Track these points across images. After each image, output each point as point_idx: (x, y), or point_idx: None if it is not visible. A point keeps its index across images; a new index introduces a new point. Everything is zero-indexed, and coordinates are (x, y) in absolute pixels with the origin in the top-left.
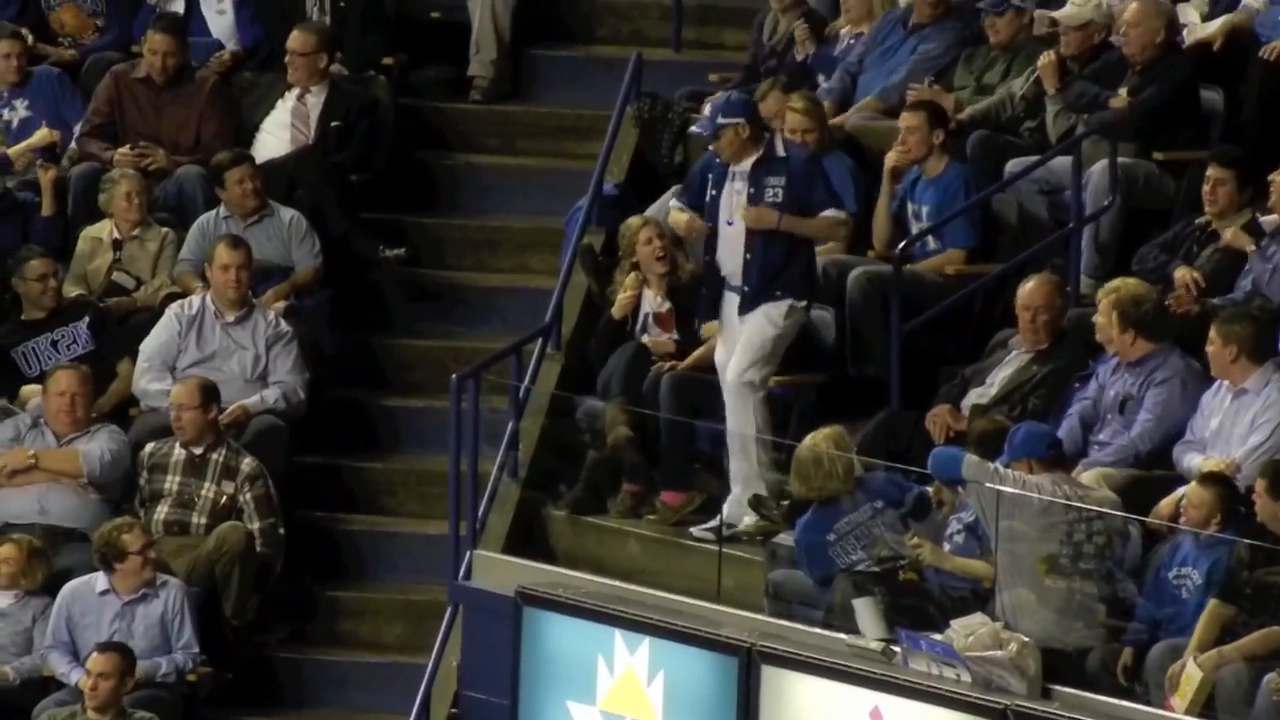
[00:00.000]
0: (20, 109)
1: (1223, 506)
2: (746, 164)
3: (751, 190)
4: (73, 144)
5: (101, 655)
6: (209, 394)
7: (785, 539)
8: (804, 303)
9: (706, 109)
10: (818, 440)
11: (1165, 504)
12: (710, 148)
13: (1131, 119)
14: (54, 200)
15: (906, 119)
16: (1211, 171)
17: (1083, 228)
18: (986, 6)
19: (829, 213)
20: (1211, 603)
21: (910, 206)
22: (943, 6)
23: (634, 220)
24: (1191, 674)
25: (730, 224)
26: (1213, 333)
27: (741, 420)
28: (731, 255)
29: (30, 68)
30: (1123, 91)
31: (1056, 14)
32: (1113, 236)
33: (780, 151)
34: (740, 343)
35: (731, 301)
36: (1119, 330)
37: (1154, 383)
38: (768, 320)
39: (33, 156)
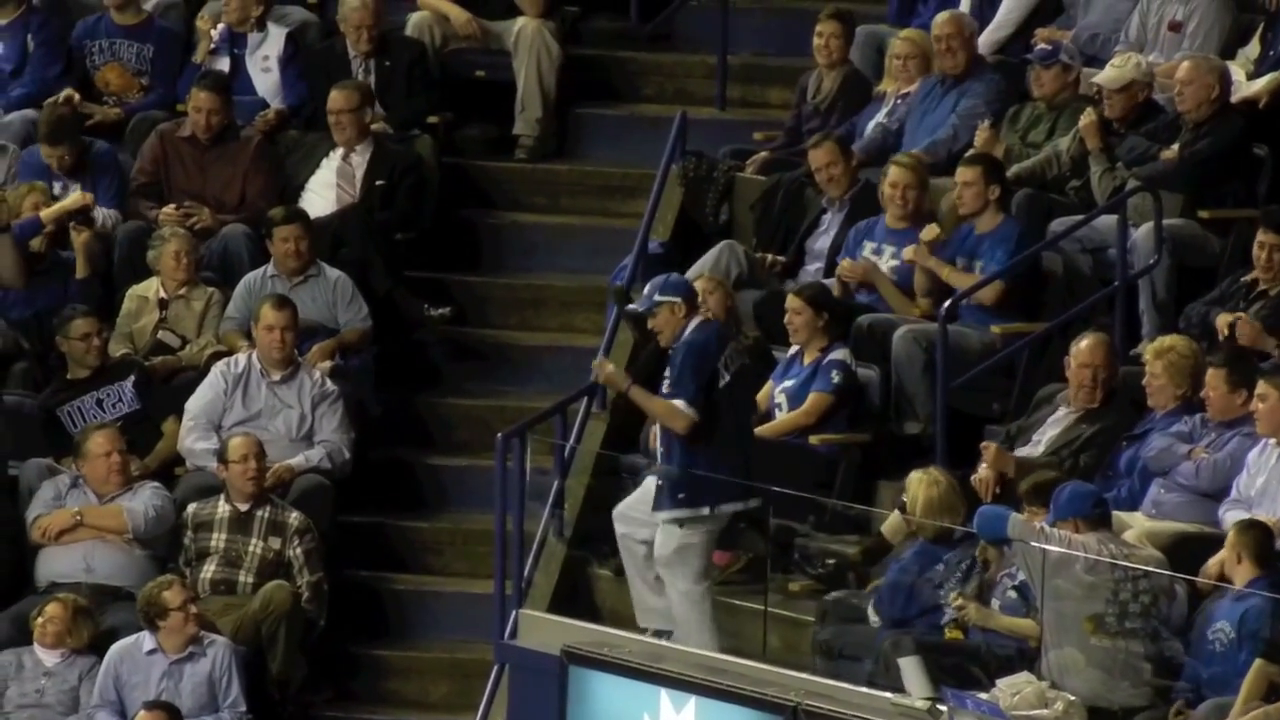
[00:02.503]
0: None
1: (1258, 551)
2: None
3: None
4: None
5: (148, 713)
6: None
7: (835, 598)
8: (706, 509)
9: (646, 288)
10: (936, 476)
11: (1212, 563)
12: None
13: (1181, 170)
14: (88, 263)
15: (962, 173)
16: (1263, 236)
17: (1127, 286)
18: (1035, 58)
19: (675, 401)
20: (1257, 662)
21: (960, 262)
22: (964, 54)
23: (701, 282)
24: None
25: None
26: (1265, 388)
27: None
28: (655, 438)
29: (94, 141)
30: (1175, 146)
31: (1096, 79)
32: (1169, 294)
33: (685, 335)
34: (662, 566)
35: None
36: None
37: (1243, 433)
38: (669, 537)
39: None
